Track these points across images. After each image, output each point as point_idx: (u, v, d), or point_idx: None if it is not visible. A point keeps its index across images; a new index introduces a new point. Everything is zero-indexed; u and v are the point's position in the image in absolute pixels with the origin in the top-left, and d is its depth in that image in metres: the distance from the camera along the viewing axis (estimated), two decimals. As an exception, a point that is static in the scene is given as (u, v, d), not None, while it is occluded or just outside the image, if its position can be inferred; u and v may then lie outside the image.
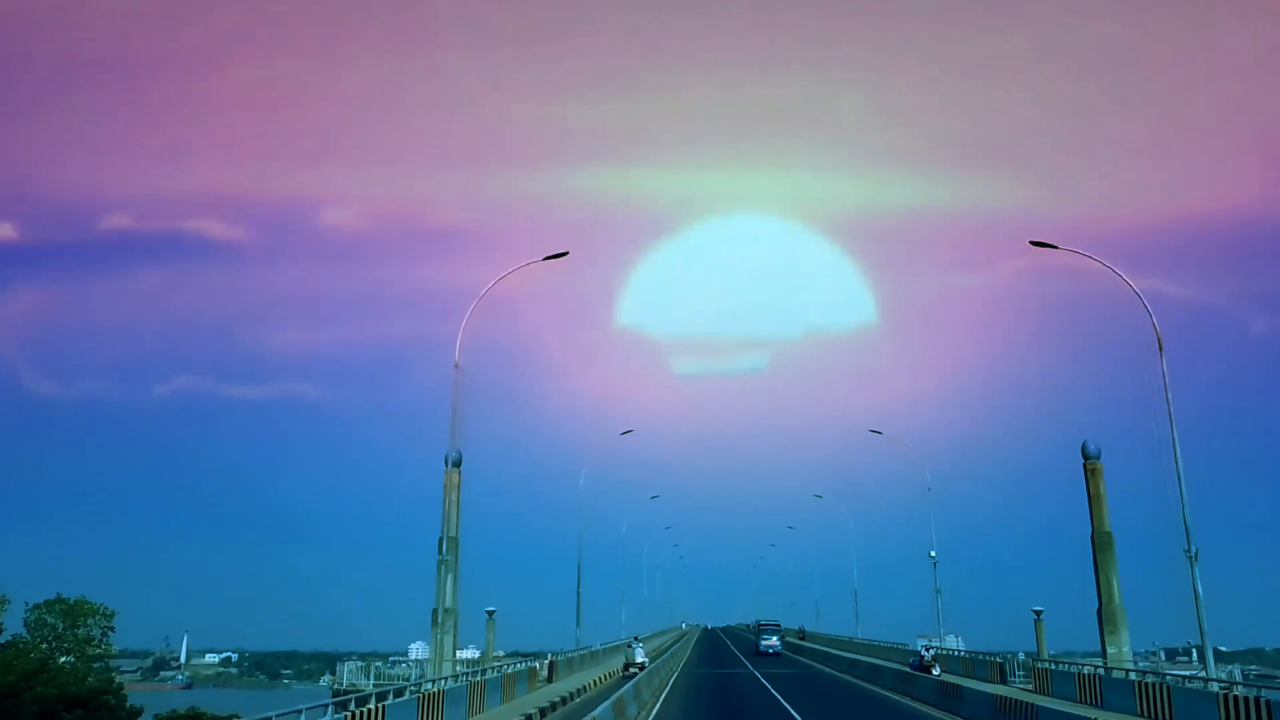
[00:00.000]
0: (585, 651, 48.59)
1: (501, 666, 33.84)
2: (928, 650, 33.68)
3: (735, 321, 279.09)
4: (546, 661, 40.49)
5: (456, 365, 26.11)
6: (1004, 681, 37.44)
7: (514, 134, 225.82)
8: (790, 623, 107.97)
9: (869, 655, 54.86)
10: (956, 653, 46.76)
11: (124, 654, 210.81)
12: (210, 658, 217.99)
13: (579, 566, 48.82)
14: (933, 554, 47.73)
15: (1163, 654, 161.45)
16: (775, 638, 69.14)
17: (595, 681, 41.67)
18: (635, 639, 55.03)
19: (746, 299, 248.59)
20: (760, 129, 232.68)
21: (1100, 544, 38.72)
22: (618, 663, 52.70)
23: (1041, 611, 44.69)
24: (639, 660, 45.37)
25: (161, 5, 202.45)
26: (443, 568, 39.61)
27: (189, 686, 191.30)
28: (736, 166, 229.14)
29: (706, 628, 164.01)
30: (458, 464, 41.87)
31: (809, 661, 61.28)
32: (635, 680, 31.00)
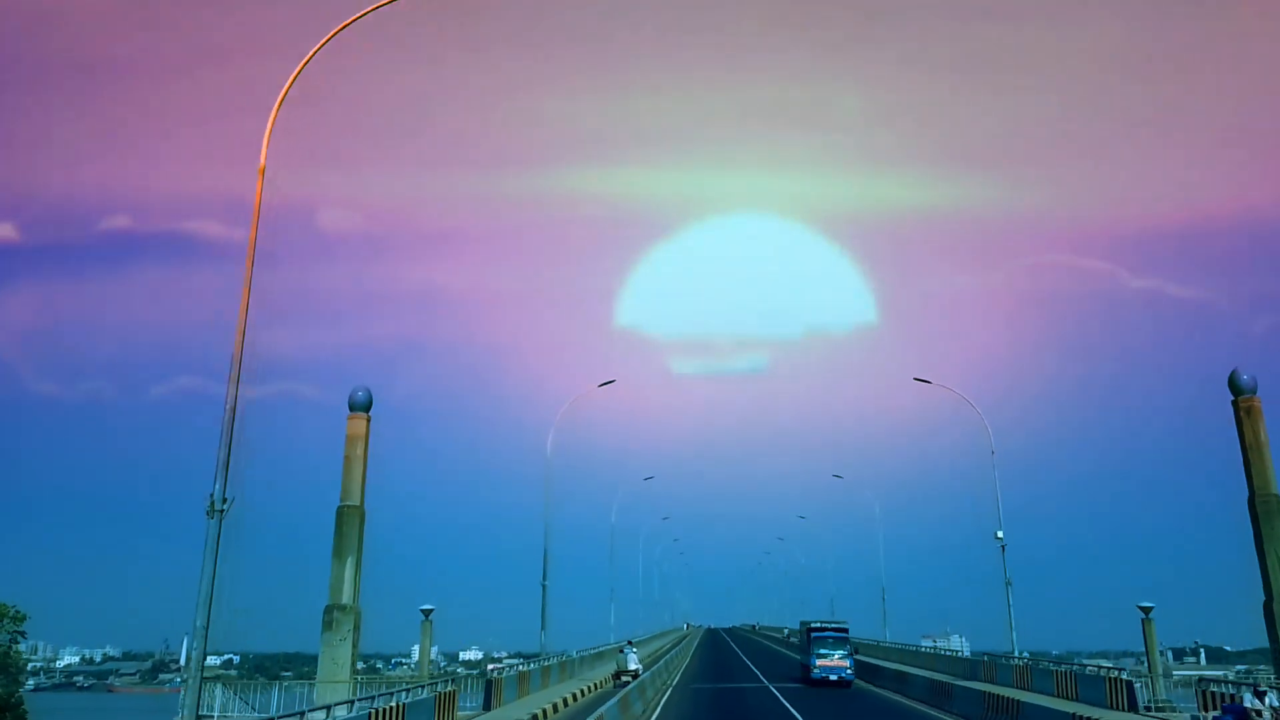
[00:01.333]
0: (555, 660, 36.42)
1: (399, 691, 21.64)
2: (1264, 692, 19.07)
3: (735, 321, 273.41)
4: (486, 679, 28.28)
5: (261, 169, 14.13)
6: (1135, 708, 25.12)
7: (514, 135, 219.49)
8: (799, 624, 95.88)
9: (915, 665, 42.60)
10: (1012, 659, 34.25)
11: (127, 656, 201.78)
12: (212, 660, 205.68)
13: (545, 553, 36.72)
14: (1000, 534, 35.54)
15: (1170, 655, 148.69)
16: (843, 652, 37.40)
17: (561, 703, 29.54)
18: (629, 643, 44.06)
19: (746, 299, 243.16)
20: (761, 129, 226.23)
21: (1264, 511, 26.48)
22: (603, 672, 41.47)
23: (1151, 609, 32.36)
24: (632, 667, 36.80)
25: (162, 5, 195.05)
26: (340, 553, 27.52)
27: None
28: (737, 166, 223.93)
29: (709, 629, 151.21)
30: (365, 407, 29.77)
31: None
32: (598, 716, 19.00)
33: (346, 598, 27.15)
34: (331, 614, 27.02)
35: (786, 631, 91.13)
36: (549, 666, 34.02)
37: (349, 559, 27.38)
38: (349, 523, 27.69)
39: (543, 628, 35.87)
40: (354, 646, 27.13)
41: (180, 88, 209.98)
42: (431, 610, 33.45)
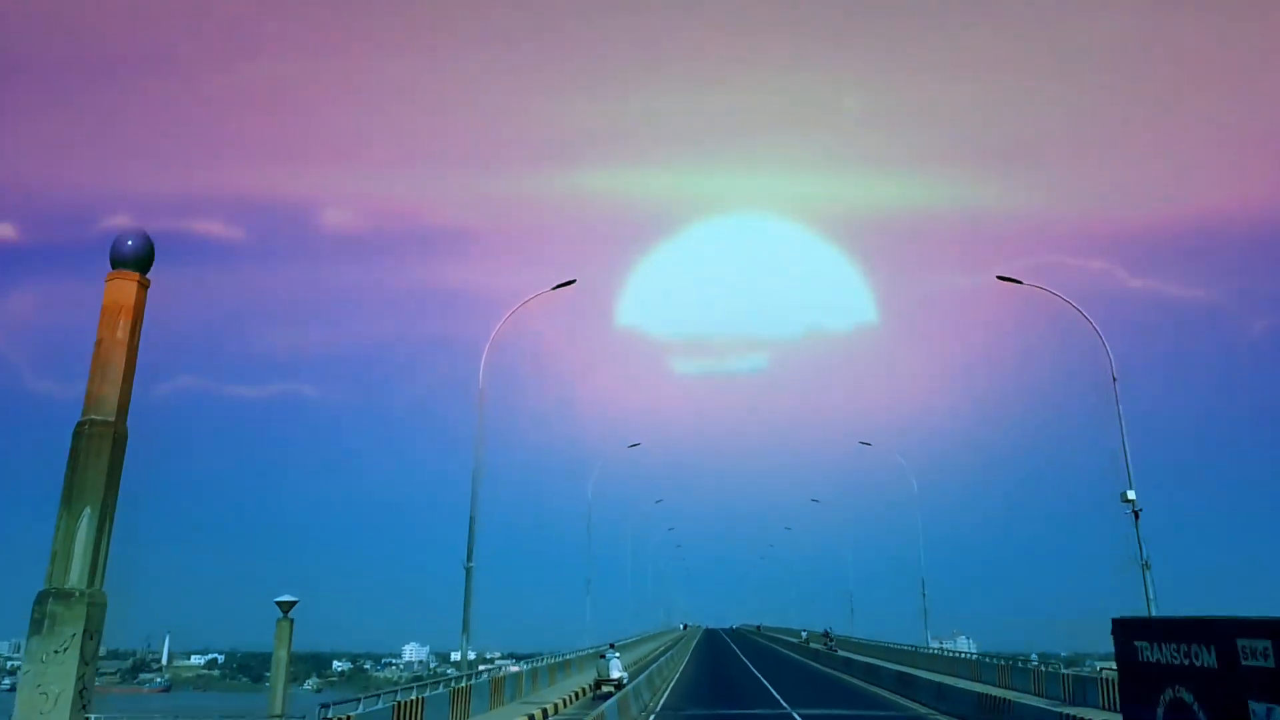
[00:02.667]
0: (485, 677, 24.59)
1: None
2: None
3: (735, 321, 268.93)
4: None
5: None
6: None
7: (514, 134, 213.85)
8: (808, 624, 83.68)
9: (982, 681, 30.85)
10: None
11: (112, 655, 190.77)
12: (196, 659, 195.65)
13: (470, 519, 24.85)
14: (1130, 495, 23.85)
15: None
16: None
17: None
18: (610, 647, 33.95)
19: (746, 299, 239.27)
20: (760, 129, 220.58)
21: None
22: (570, 686, 31.04)
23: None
24: (615, 675, 29.97)
25: (161, 5, 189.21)
26: (67, 509, 15.59)
27: (167, 689, 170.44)
28: (736, 166, 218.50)
29: (707, 629, 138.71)
30: (137, 264, 17.97)
31: (874, 689, 37.19)
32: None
33: (76, 578, 15.28)
34: (46, 606, 15.14)
35: (805, 635, 75.79)
36: (464, 690, 21.98)
37: (85, 511, 15.51)
38: (93, 450, 15.85)
39: (464, 630, 23.92)
40: (87, 664, 15.26)
41: (181, 87, 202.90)
42: (293, 603, 21.77)
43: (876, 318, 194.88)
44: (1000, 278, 26.44)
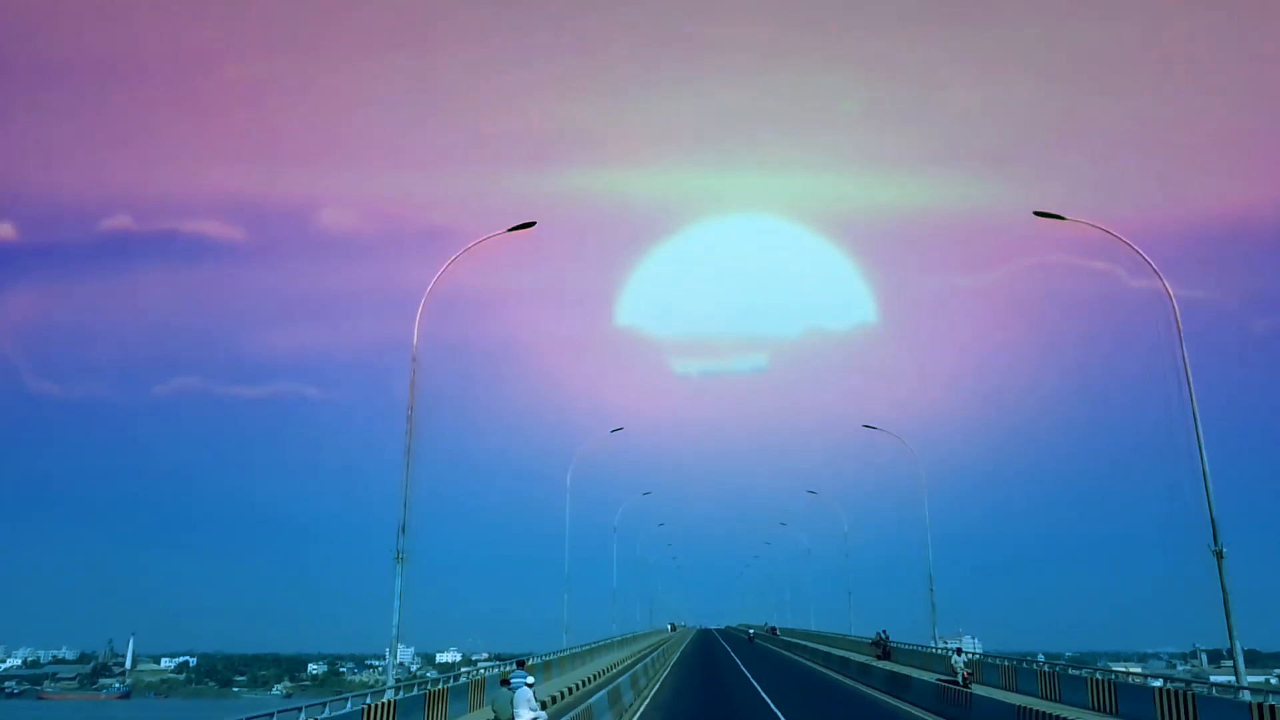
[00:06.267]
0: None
1: None
2: None
3: (735, 321, 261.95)
4: None
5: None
6: None
7: (513, 134, 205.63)
8: (828, 626, 68.47)
9: None
10: None
11: (83, 659, 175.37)
12: (167, 662, 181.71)
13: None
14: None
15: (1204, 658, 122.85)
16: None
17: None
18: (519, 665, 21.54)
19: (746, 299, 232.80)
20: (761, 129, 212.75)
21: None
22: None
23: None
24: (523, 718, 16.40)
25: (161, 6, 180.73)
26: None
27: (127, 695, 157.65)
28: (736, 166, 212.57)
29: (701, 630, 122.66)
30: None
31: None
32: None
33: None
34: None
35: (966, 659, 32.12)
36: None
37: None
38: None
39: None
40: None
41: (181, 87, 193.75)
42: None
43: (876, 318, 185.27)
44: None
